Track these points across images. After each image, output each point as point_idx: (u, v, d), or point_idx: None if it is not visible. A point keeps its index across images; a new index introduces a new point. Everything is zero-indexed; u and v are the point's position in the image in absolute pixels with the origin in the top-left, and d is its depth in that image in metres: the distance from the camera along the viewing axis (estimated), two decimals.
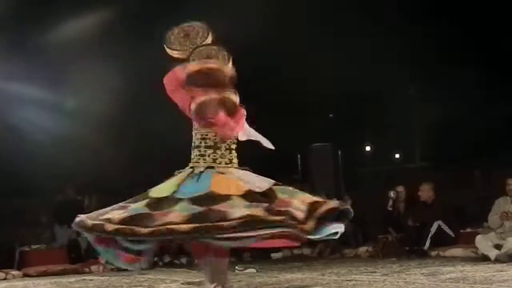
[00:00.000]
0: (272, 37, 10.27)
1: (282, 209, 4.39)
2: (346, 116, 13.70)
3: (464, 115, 11.23)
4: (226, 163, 4.83)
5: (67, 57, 10.46)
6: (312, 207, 4.42)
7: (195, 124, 4.90)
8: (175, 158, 5.17)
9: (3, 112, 10.76)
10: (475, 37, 11.04)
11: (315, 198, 4.56)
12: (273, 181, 4.70)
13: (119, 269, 9.74)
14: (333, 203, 4.52)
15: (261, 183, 4.67)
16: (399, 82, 12.15)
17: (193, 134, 4.92)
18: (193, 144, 4.90)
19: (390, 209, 10.45)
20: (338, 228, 4.44)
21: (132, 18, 10.27)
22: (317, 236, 4.40)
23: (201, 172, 4.74)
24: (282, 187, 4.66)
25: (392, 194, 10.45)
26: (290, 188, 4.70)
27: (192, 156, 4.89)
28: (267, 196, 4.54)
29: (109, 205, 4.67)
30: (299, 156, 13.60)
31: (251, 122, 5.03)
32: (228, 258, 4.92)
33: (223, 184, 4.62)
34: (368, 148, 17.87)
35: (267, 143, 5.03)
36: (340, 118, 13.91)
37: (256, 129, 5.04)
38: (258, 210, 4.35)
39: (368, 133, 16.19)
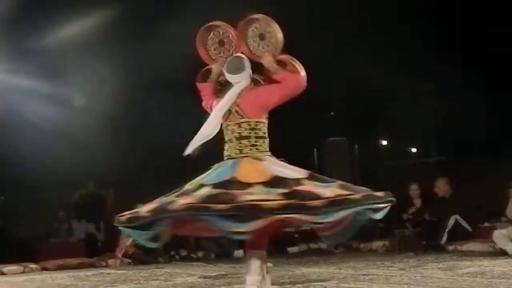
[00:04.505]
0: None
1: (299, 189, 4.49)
2: (362, 111, 13.64)
3: (482, 109, 11.12)
4: (257, 150, 4.92)
5: (78, 53, 10.53)
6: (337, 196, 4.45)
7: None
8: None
9: (18, 108, 10.83)
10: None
11: (346, 192, 4.55)
12: (307, 172, 4.76)
13: (135, 263, 9.83)
14: (358, 196, 4.55)
15: (292, 172, 4.73)
16: (414, 77, 12.08)
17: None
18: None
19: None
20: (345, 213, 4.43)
21: (134, 18, 10.32)
22: (323, 218, 4.37)
23: (227, 162, 4.90)
24: (315, 179, 4.72)
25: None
26: (329, 180, 4.73)
27: None
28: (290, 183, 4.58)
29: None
30: (315, 150, 13.58)
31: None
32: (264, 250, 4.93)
33: (245, 172, 4.70)
34: (384, 142, 17.77)
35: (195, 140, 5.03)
36: (356, 113, 13.86)
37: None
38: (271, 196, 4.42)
39: (384, 128, 16.11)
